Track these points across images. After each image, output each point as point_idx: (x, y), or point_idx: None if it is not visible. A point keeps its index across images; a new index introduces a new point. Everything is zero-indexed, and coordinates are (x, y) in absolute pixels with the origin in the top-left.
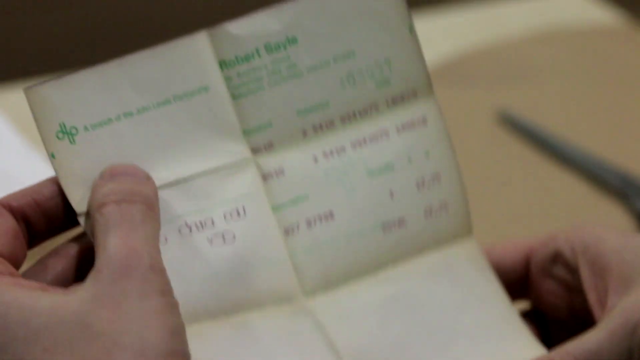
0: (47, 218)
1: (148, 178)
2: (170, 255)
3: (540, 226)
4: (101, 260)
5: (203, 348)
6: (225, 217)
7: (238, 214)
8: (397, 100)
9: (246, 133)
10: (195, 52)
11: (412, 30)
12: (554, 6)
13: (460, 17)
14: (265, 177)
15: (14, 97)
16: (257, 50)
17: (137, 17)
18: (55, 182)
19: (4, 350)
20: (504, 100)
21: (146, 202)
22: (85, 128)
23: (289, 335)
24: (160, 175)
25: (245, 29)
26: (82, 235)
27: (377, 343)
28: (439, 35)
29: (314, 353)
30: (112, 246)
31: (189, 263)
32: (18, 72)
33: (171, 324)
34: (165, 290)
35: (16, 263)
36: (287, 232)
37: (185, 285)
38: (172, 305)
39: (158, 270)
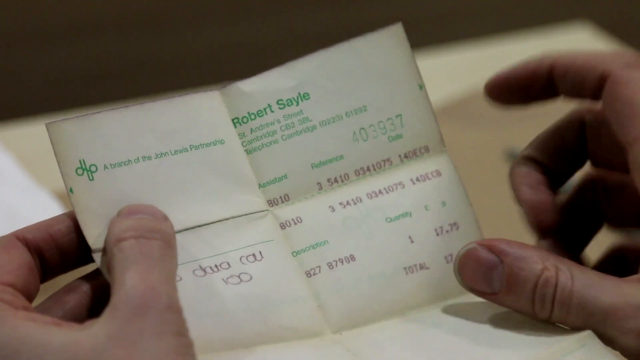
0: (61, 253)
1: (166, 218)
2: (185, 293)
3: None
4: (118, 296)
5: None
6: (241, 259)
7: (255, 257)
8: (410, 156)
9: (262, 186)
10: (209, 107)
11: (421, 86)
12: (560, 43)
13: (466, 55)
14: (283, 225)
15: (19, 134)
16: (270, 106)
17: (139, 56)
18: (71, 217)
19: None
20: (510, 138)
21: (165, 240)
22: (105, 167)
23: (319, 356)
24: (176, 219)
25: (257, 86)
26: (96, 273)
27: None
28: (445, 74)
29: None
30: (130, 282)
31: (204, 300)
32: (23, 109)
33: None
34: (181, 330)
35: (29, 296)
36: (309, 274)
37: (199, 321)
38: (187, 345)
39: (175, 310)
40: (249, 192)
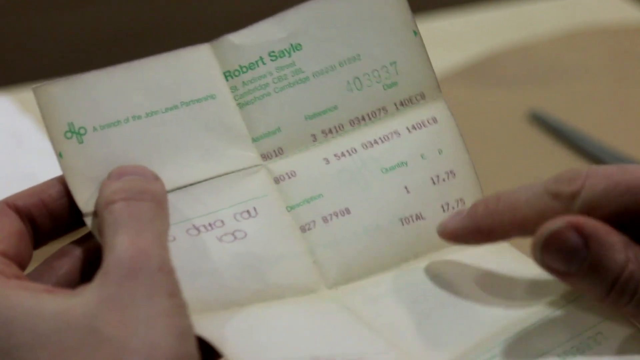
0: (53, 218)
1: (157, 178)
2: (178, 253)
3: None
4: (108, 260)
5: (216, 328)
6: (235, 217)
7: (249, 213)
8: (406, 103)
9: (255, 140)
10: (200, 62)
11: (416, 33)
12: (585, 5)
13: (491, 16)
14: (277, 180)
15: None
16: (261, 58)
17: (156, 17)
18: (62, 181)
19: (11, 356)
20: (534, 99)
21: (155, 200)
22: (94, 128)
23: (314, 314)
24: (169, 178)
25: (248, 38)
26: (88, 236)
27: (409, 316)
28: (470, 34)
29: (343, 326)
30: (120, 246)
31: (198, 259)
32: (41, 72)
33: (179, 327)
34: (174, 291)
35: (22, 264)
36: (304, 229)
37: (194, 280)
38: (180, 306)
39: (167, 271)
40: (242, 147)
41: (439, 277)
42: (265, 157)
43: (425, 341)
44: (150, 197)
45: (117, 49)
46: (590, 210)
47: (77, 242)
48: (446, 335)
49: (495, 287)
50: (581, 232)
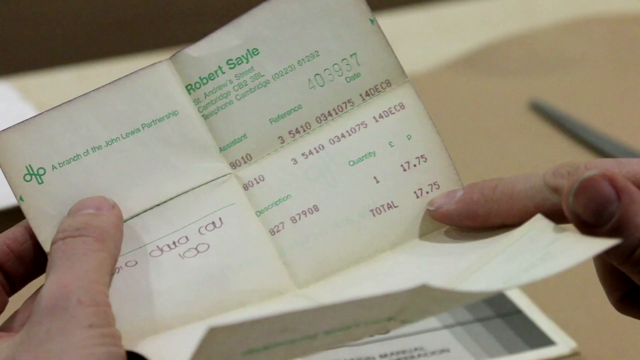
0: (23, 263)
1: (112, 207)
2: (138, 276)
3: None
4: (35, 302)
5: (160, 346)
6: (200, 230)
7: (214, 224)
8: (371, 93)
9: (223, 149)
10: (159, 80)
11: (373, 21)
12: None
13: (493, 5)
14: (245, 186)
15: (38, 83)
16: (220, 67)
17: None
18: (26, 226)
19: None
20: (535, 88)
21: (95, 234)
22: (53, 167)
23: (279, 304)
24: (133, 204)
25: (205, 50)
26: None
27: None
28: (471, 23)
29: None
30: (45, 286)
31: (157, 280)
32: (41, 59)
33: (96, 356)
34: (96, 322)
35: None
36: (272, 232)
37: (151, 302)
38: (104, 335)
39: (89, 304)
40: (209, 159)
41: (411, 260)
42: (234, 165)
43: None
44: (90, 232)
45: (118, 35)
46: None
47: None
48: None
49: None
50: (615, 185)
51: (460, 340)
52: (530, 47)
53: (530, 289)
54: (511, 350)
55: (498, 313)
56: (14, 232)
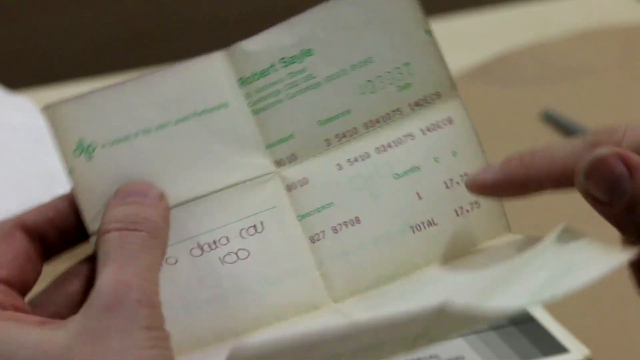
0: (62, 234)
1: (161, 198)
2: (179, 278)
3: (582, 226)
4: (93, 293)
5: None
6: (241, 233)
7: (255, 229)
8: (421, 103)
9: (269, 147)
10: (212, 70)
11: (428, 32)
12: (598, 5)
13: (504, 16)
14: (289, 187)
15: (56, 96)
16: (273, 65)
17: (173, 18)
18: (70, 198)
19: None
20: (547, 99)
21: (149, 230)
22: (103, 145)
23: (312, 321)
24: (178, 192)
25: (260, 45)
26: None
27: None
28: (484, 33)
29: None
30: (104, 279)
31: (197, 286)
32: (58, 73)
33: (153, 358)
34: (152, 324)
35: (26, 287)
36: (313, 239)
37: (191, 313)
38: (158, 338)
39: (146, 304)
40: (255, 155)
41: (446, 280)
42: (278, 163)
43: None
44: (145, 227)
45: (134, 48)
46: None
47: (85, 261)
48: None
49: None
50: (627, 163)
51: (474, 348)
52: (542, 57)
53: None
54: (524, 357)
55: (512, 321)
56: (57, 204)
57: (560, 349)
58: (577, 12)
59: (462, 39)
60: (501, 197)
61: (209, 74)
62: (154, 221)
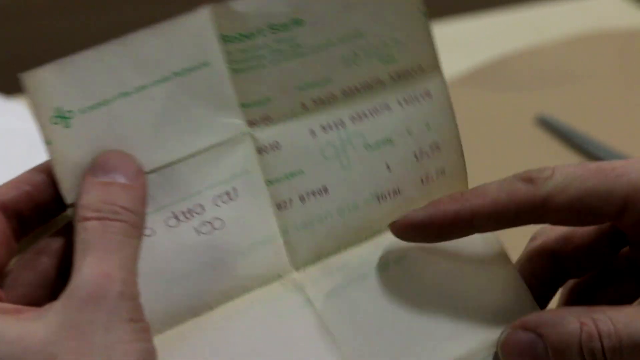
0: (39, 208)
1: (138, 174)
2: (156, 249)
3: None
4: (73, 283)
5: (187, 350)
6: (215, 201)
7: (229, 196)
8: (402, 75)
9: (244, 106)
10: (197, 28)
11: (422, 11)
12: (594, 9)
13: (499, 20)
14: (260, 150)
15: None
16: (261, 30)
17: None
18: (44, 170)
19: None
20: (542, 103)
21: (130, 219)
22: (81, 110)
23: (278, 317)
24: (154, 157)
25: (250, 7)
26: (68, 227)
27: (370, 318)
28: (478, 39)
29: (305, 332)
30: (85, 270)
31: (174, 259)
32: None
33: (138, 353)
34: (134, 316)
35: (1, 264)
36: (280, 206)
37: (169, 285)
38: (141, 330)
39: (128, 297)
40: (229, 114)
41: (408, 260)
42: (251, 123)
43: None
44: (126, 216)
45: None
46: (561, 191)
47: (53, 237)
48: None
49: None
50: (528, 327)
51: None
52: (537, 62)
53: None
54: None
55: None
56: (32, 176)
57: None
58: (572, 16)
59: (458, 44)
60: (428, 239)
61: (192, 31)
62: (134, 210)
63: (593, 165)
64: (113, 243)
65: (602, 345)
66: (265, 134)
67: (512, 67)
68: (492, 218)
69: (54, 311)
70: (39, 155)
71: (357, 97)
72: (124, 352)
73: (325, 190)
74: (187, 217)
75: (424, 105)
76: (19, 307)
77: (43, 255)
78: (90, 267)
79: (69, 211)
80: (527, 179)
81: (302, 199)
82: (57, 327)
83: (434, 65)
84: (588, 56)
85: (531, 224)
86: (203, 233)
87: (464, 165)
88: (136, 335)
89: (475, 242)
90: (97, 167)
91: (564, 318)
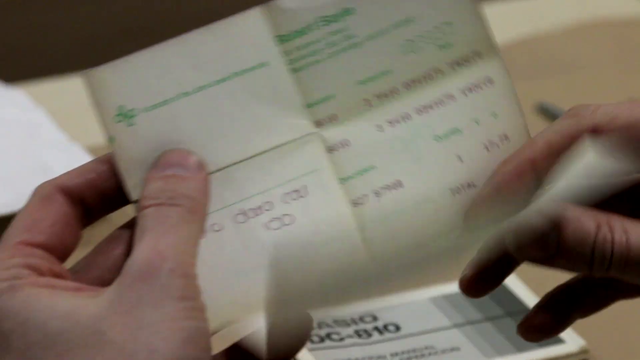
0: (103, 197)
1: (199, 167)
2: (224, 246)
3: None
4: (127, 264)
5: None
6: (284, 198)
7: (299, 193)
8: (461, 63)
9: (309, 106)
10: (250, 28)
11: None
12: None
13: (499, 9)
14: (330, 149)
15: (51, 90)
16: (313, 23)
17: (167, 12)
18: (111, 160)
19: (25, 354)
20: (542, 91)
21: (187, 205)
22: (144, 110)
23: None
24: (219, 156)
25: (298, 3)
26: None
27: None
28: None
29: None
30: (138, 250)
31: (243, 256)
32: (54, 66)
33: (187, 331)
34: (187, 295)
35: (65, 252)
36: (355, 204)
37: (240, 281)
38: (192, 309)
39: (180, 275)
40: (295, 115)
41: None
42: (318, 124)
43: None
44: (183, 202)
45: (127, 42)
46: (610, 121)
47: (127, 226)
48: None
49: None
50: (547, 216)
51: (470, 339)
52: (536, 51)
53: (539, 287)
54: (520, 348)
55: (507, 312)
56: (97, 166)
57: (556, 339)
58: (570, 5)
59: None
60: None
61: (247, 32)
62: (192, 196)
63: (636, 101)
64: (168, 225)
65: (611, 251)
66: (334, 133)
67: (511, 55)
68: (551, 158)
69: (108, 290)
70: (38, 145)
71: (420, 89)
72: (170, 329)
73: (400, 183)
74: (256, 214)
75: (487, 93)
76: (81, 285)
77: (117, 241)
78: (143, 248)
79: (133, 207)
80: (573, 114)
81: (377, 194)
82: (108, 304)
83: (492, 49)
84: (587, 45)
85: None
86: (272, 229)
87: None
88: (186, 313)
89: None
90: (158, 163)
91: (583, 216)
